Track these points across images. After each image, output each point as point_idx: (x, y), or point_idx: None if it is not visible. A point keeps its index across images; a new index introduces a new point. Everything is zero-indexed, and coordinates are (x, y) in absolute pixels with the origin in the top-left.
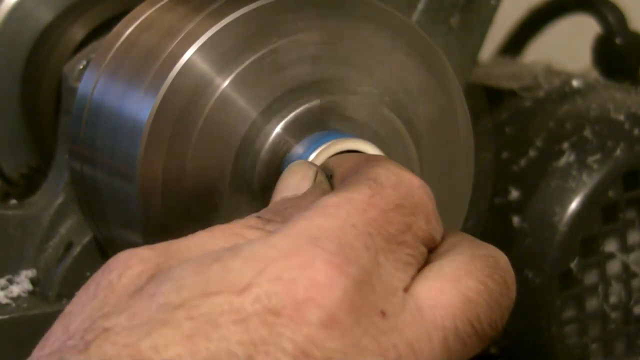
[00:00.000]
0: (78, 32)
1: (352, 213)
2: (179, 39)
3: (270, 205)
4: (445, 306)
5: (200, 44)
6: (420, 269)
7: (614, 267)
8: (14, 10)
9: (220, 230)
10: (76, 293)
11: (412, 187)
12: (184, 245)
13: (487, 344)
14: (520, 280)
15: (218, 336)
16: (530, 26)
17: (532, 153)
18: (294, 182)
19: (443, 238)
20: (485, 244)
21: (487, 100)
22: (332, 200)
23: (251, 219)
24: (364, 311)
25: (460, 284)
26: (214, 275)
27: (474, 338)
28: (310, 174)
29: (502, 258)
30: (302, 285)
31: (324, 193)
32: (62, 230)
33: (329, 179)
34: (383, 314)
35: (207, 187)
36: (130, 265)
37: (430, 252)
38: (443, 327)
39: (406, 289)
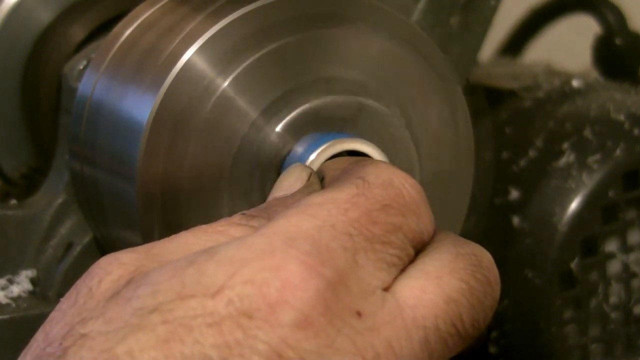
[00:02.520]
0: (78, 33)
1: (333, 213)
2: (179, 39)
3: (261, 205)
4: (427, 305)
5: (200, 44)
6: (404, 268)
7: (614, 267)
8: (14, 11)
9: (202, 230)
10: (60, 300)
11: (402, 187)
12: (165, 246)
13: (469, 343)
14: (520, 280)
15: (192, 340)
16: (530, 26)
17: (532, 153)
18: (286, 183)
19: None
20: (469, 242)
21: (487, 100)
22: (316, 199)
23: (236, 217)
24: (338, 312)
25: (442, 283)
26: (189, 278)
27: (455, 338)
28: (303, 175)
29: (486, 256)
30: (274, 287)
31: (313, 193)
32: (62, 230)
33: (321, 181)
34: (359, 314)
35: (207, 187)
36: (110, 270)
37: (418, 251)
38: (424, 327)
39: (387, 288)
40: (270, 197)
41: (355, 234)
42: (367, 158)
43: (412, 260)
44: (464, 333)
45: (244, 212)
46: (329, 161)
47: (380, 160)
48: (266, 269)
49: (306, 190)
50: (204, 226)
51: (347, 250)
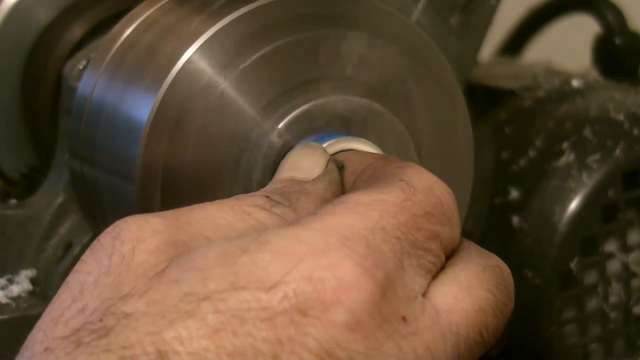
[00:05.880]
0: (78, 32)
1: (384, 215)
2: (179, 39)
3: (277, 182)
4: (460, 313)
5: (200, 44)
6: (437, 274)
7: (614, 267)
8: (14, 10)
9: (228, 206)
10: (83, 257)
11: (442, 195)
12: (193, 217)
13: (486, 351)
14: (520, 280)
15: (245, 332)
16: (530, 26)
17: (532, 153)
18: (305, 165)
19: None
20: (490, 254)
21: (487, 100)
22: (364, 198)
23: (258, 198)
24: (387, 316)
25: (474, 293)
26: (242, 268)
27: (480, 346)
28: (322, 161)
29: (506, 269)
30: (330, 286)
31: (333, 182)
32: (62, 230)
33: (340, 170)
34: (404, 319)
35: (207, 186)
36: (142, 237)
37: (447, 258)
38: (457, 334)
39: (424, 294)
40: (285, 174)
41: (402, 238)
42: (389, 156)
43: (443, 267)
44: (487, 342)
45: (266, 193)
46: (349, 152)
47: (414, 164)
48: (323, 267)
49: (327, 179)
50: (229, 201)
51: (396, 254)
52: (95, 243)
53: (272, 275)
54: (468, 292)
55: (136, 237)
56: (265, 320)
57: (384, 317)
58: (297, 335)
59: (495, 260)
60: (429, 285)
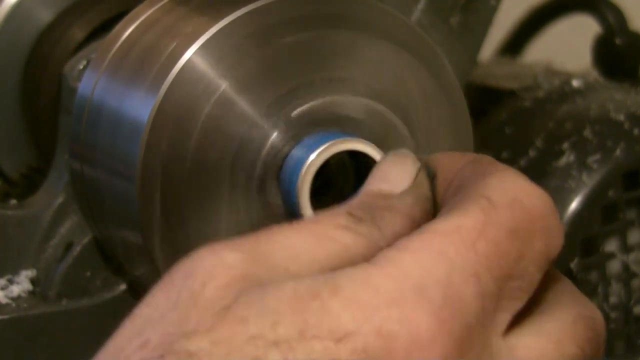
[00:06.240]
0: (78, 32)
1: (461, 249)
2: (179, 39)
3: (364, 194)
4: None
5: (200, 44)
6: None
7: (614, 267)
8: (14, 10)
9: (308, 230)
10: (152, 291)
11: (531, 203)
12: (272, 247)
13: None
14: None
15: None
16: (530, 26)
17: (532, 153)
18: (393, 175)
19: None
20: (585, 299)
21: (487, 100)
22: (441, 226)
23: (341, 216)
24: None
25: (562, 349)
26: (313, 316)
27: None
28: (412, 170)
29: (600, 321)
30: (402, 343)
31: (420, 197)
32: (62, 230)
33: (432, 179)
34: None
35: (207, 186)
36: (215, 273)
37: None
38: None
39: (505, 333)
40: (374, 187)
41: (483, 273)
42: (482, 156)
43: (538, 284)
44: None
45: (349, 209)
46: (441, 156)
47: (503, 167)
48: (395, 320)
49: (414, 193)
50: (309, 224)
51: (477, 296)
52: (166, 277)
53: (342, 325)
54: (555, 347)
55: (208, 274)
56: None
57: None
58: None
59: (590, 310)
60: (513, 326)
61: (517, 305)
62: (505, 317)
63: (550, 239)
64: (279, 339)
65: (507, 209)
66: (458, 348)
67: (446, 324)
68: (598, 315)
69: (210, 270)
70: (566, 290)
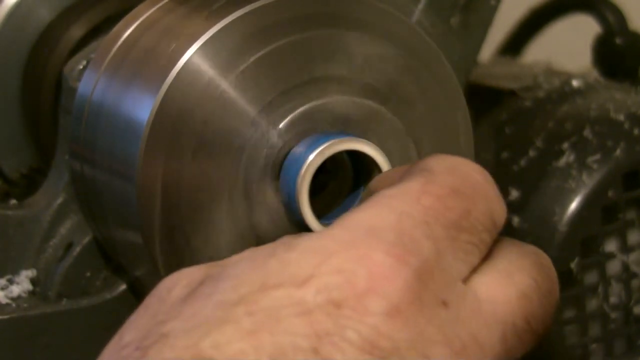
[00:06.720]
0: (78, 32)
1: (408, 202)
2: (179, 39)
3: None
4: (503, 301)
5: (200, 44)
6: (479, 262)
7: (614, 267)
8: (14, 10)
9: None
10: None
11: (467, 171)
12: (231, 258)
13: (537, 341)
14: None
15: (281, 330)
16: (530, 26)
17: (532, 153)
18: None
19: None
20: (526, 244)
21: (487, 100)
22: (388, 191)
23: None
24: (426, 301)
25: (514, 280)
26: (272, 269)
27: (529, 334)
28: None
29: (544, 255)
30: (362, 277)
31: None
32: (62, 230)
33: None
34: (445, 304)
35: (207, 187)
36: (178, 280)
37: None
38: (503, 322)
39: (464, 281)
40: None
41: (432, 222)
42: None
43: (488, 248)
44: (535, 329)
45: None
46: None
47: (440, 154)
48: (352, 260)
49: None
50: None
51: (428, 239)
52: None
53: (302, 271)
54: (508, 279)
55: (172, 282)
56: (300, 315)
57: (422, 302)
58: (335, 328)
59: (531, 247)
60: (470, 275)
61: (471, 259)
62: (463, 268)
63: (492, 204)
64: (242, 296)
65: (446, 174)
66: (418, 279)
67: (402, 258)
68: (541, 252)
69: (173, 279)
70: (508, 240)
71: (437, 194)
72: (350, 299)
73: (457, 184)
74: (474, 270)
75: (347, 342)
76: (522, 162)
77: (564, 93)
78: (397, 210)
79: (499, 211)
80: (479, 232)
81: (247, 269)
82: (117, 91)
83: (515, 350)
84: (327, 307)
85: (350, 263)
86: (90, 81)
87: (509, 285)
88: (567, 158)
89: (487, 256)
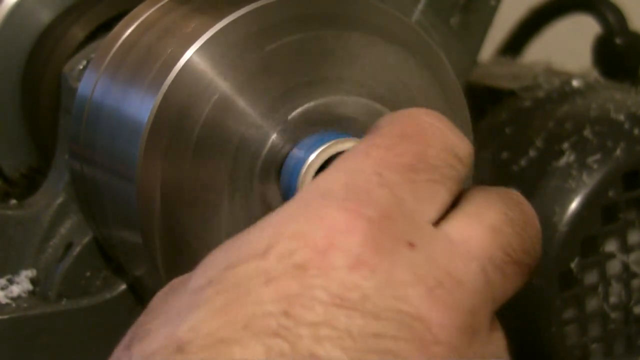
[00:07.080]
0: (78, 32)
1: (357, 159)
2: (179, 39)
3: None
4: (475, 238)
5: (200, 44)
6: (449, 201)
7: (614, 267)
8: (14, 10)
9: None
10: None
11: (414, 115)
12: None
13: (528, 274)
14: None
15: (251, 301)
16: (530, 26)
17: (532, 153)
18: None
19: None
20: (495, 187)
21: (487, 100)
22: (340, 157)
23: None
24: (389, 246)
25: (483, 217)
26: (234, 249)
27: (511, 266)
28: None
29: (516, 192)
30: (320, 236)
31: None
32: (62, 230)
33: None
34: (411, 245)
35: (207, 187)
36: (164, 288)
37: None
38: (478, 258)
39: (435, 225)
40: None
41: (384, 171)
42: None
43: (458, 184)
44: (518, 260)
45: None
46: None
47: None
48: (308, 222)
49: None
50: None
51: (383, 187)
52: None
53: (262, 242)
54: (476, 218)
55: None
56: (267, 284)
57: (385, 249)
58: (303, 289)
59: (502, 188)
60: (440, 221)
61: (439, 198)
62: (430, 208)
63: (450, 140)
64: (211, 279)
65: (391, 124)
66: (378, 227)
67: (356, 211)
68: (510, 190)
69: (163, 289)
70: (480, 188)
71: (384, 144)
72: (313, 259)
73: (405, 130)
74: (445, 215)
75: (315, 300)
76: (522, 162)
77: (564, 93)
78: (346, 168)
79: (461, 145)
80: (439, 169)
81: (216, 254)
82: (117, 91)
83: (501, 283)
84: (292, 271)
85: (306, 225)
86: (90, 81)
87: (479, 223)
88: (567, 158)
89: (456, 203)
